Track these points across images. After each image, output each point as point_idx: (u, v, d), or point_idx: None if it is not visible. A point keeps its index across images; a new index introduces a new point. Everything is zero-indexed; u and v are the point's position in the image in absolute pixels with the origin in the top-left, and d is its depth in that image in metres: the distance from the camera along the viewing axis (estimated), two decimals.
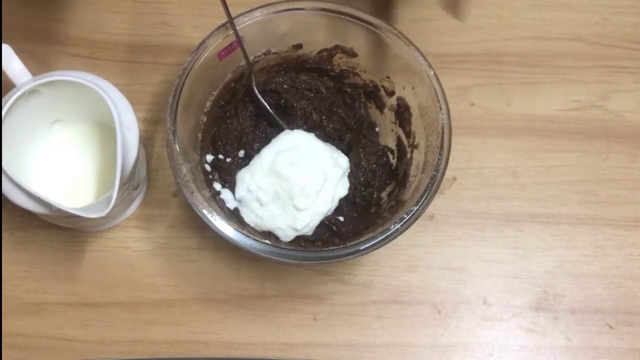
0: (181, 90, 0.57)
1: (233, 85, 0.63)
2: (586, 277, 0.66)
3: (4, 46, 0.57)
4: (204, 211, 0.55)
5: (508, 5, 0.67)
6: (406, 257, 0.65)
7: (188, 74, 0.58)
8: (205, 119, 0.62)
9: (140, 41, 0.69)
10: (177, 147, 0.56)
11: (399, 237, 0.55)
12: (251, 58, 0.62)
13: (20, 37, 0.66)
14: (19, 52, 0.58)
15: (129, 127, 0.58)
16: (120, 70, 0.68)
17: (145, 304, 0.63)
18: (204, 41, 0.59)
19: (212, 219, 0.55)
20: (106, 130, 0.62)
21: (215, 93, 0.62)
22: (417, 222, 0.56)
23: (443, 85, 0.59)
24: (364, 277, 0.65)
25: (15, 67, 0.57)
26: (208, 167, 0.63)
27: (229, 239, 0.55)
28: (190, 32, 0.70)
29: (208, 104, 0.62)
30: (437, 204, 0.66)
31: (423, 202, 0.56)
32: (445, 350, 0.64)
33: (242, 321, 0.63)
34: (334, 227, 0.62)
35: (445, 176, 0.57)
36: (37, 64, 0.60)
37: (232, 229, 0.55)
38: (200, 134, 0.62)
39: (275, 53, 0.64)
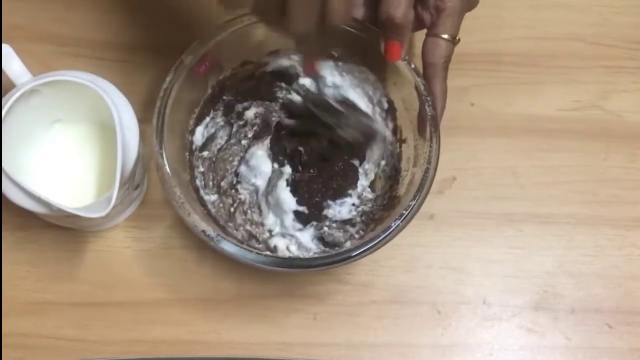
0: (164, 111, 0.56)
1: (214, 100, 0.63)
2: (586, 277, 0.66)
3: (4, 46, 0.57)
4: (203, 231, 0.55)
5: (508, 5, 0.67)
6: (406, 257, 0.65)
7: (169, 94, 0.57)
8: (190, 138, 0.62)
9: (140, 41, 0.69)
10: (168, 170, 0.56)
11: (399, 237, 0.55)
12: (228, 71, 0.61)
13: (20, 37, 0.66)
14: (19, 52, 0.58)
15: (129, 127, 0.58)
16: (120, 70, 0.68)
17: (145, 304, 0.63)
18: (181, 60, 0.58)
19: (212, 238, 0.54)
20: (106, 130, 0.62)
21: (197, 110, 0.61)
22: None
23: None
24: (364, 277, 0.65)
25: (15, 67, 0.57)
26: (198, 183, 0.62)
27: (230, 255, 0.54)
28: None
29: (191, 122, 0.61)
30: (437, 204, 0.66)
31: (420, 196, 0.55)
32: (445, 350, 0.64)
33: (242, 321, 0.64)
34: None
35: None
36: (37, 64, 0.59)
37: (233, 245, 0.55)
38: (187, 153, 0.61)
39: (252, 62, 0.62)
